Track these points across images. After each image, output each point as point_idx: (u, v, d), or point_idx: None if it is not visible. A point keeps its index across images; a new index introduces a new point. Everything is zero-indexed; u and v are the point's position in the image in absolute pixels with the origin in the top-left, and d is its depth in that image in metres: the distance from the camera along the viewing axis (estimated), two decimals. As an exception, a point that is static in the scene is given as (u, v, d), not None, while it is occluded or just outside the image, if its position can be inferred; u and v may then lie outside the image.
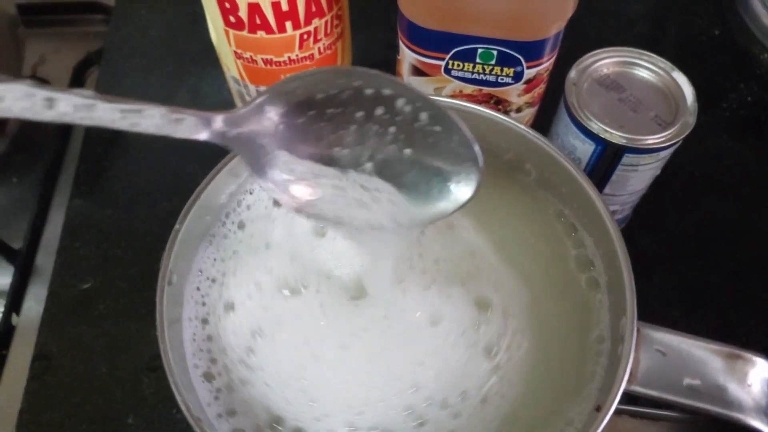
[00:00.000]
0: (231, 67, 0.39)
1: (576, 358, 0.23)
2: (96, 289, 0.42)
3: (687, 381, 0.21)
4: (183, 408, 0.22)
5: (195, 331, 0.26)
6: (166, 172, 0.47)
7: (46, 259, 0.49)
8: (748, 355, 0.21)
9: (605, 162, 0.36)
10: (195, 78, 0.52)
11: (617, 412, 0.31)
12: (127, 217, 0.45)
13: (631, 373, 0.21)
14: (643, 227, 0.43)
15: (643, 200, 0.42)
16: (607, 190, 0.38)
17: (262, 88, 0.39)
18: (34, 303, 0.47)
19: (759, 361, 0.21)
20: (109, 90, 0.53)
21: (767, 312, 0.41)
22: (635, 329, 0.21)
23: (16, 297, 0.48)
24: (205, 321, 0.27)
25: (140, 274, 0.42)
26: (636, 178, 0.37)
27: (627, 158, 0.35)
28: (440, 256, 0.30)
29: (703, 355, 0.22)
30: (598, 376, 0.22)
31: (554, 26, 0.31)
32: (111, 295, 0.42)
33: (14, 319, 0.47)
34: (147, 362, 0.40)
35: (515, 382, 0.24)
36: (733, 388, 0.21)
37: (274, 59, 0.37)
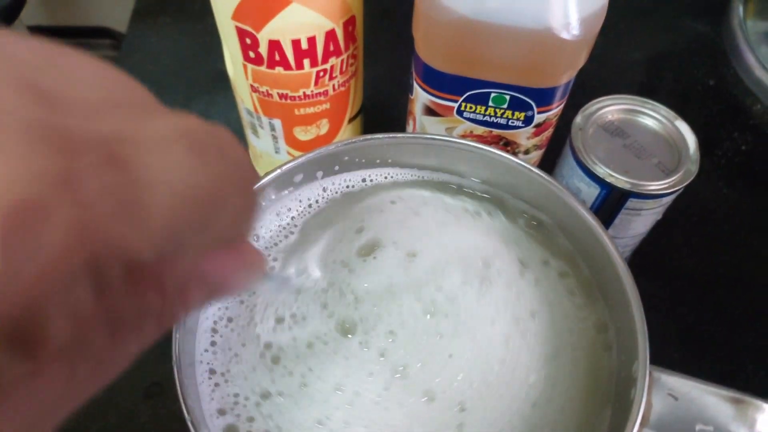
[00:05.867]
0: (246, 99, 0.39)
1: (587, 402, 0.24)
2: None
3: (699, 427, 0.21)
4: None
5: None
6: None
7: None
8: (757, 401, 0.22)
9: (610, 205, 0.36)
10: (204, 105, 0.53)
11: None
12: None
13: (643, 416, 0.21)
14: (642, 269, 0.44)
15: (642, 242, 0.43)
16: (609, 232, 0.39)
17: (275, 121, 0.40)
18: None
19: (766, 406, 0.22)
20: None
21: (764, 358, 0.41)
22: (648, 372, 0.22)
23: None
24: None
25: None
26: (638, 222, 0.38)
27: (631, 203, 0.36)
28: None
29: (714, 400, 0.22)
30: (608, 421, 0.23)
31: (566, 75, 0.32)
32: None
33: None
34: (145, 389, 0.39)
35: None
36: (743, 437, 0.21)
37: (290, 94, 0.37)
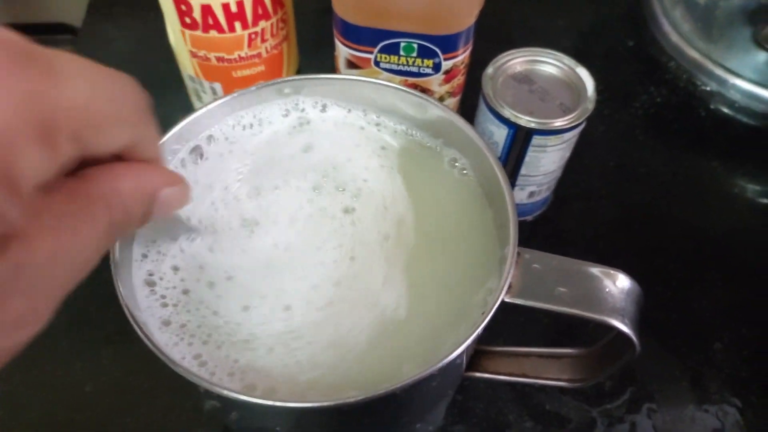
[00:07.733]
0: (187, 65, 0.43)
1: (471, 281, 0.28)
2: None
3: (558, 290, 0.25)
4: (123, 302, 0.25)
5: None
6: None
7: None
8: (611, 270, 0.26)
9: (518, 144, 0.41)
10: (158, 87, 0.56)
11: (526, 354, 0.35)
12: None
13: (510, 286, 0.25)
14: (562, 209, 0.48)
15: (562, 186, 0.47)
16: (523, 171, 0.43)
17: (215, 84, 0.43)
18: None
19: (620, 275, 0.26)
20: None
21: (673, 289, 0.45)
22: (515, 253, 0.26)
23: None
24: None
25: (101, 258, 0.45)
26: (546, 159, 0.42)
27: (536, 140, 0.40)
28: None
29: (574, 270, 0.26)
30: (487, 292, 0.27)
31: (465, 22, 0.36)
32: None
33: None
34: (105, 337, 0.42)
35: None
36: (596, 295, 0.25)
37: (226, 57, 0.41)
